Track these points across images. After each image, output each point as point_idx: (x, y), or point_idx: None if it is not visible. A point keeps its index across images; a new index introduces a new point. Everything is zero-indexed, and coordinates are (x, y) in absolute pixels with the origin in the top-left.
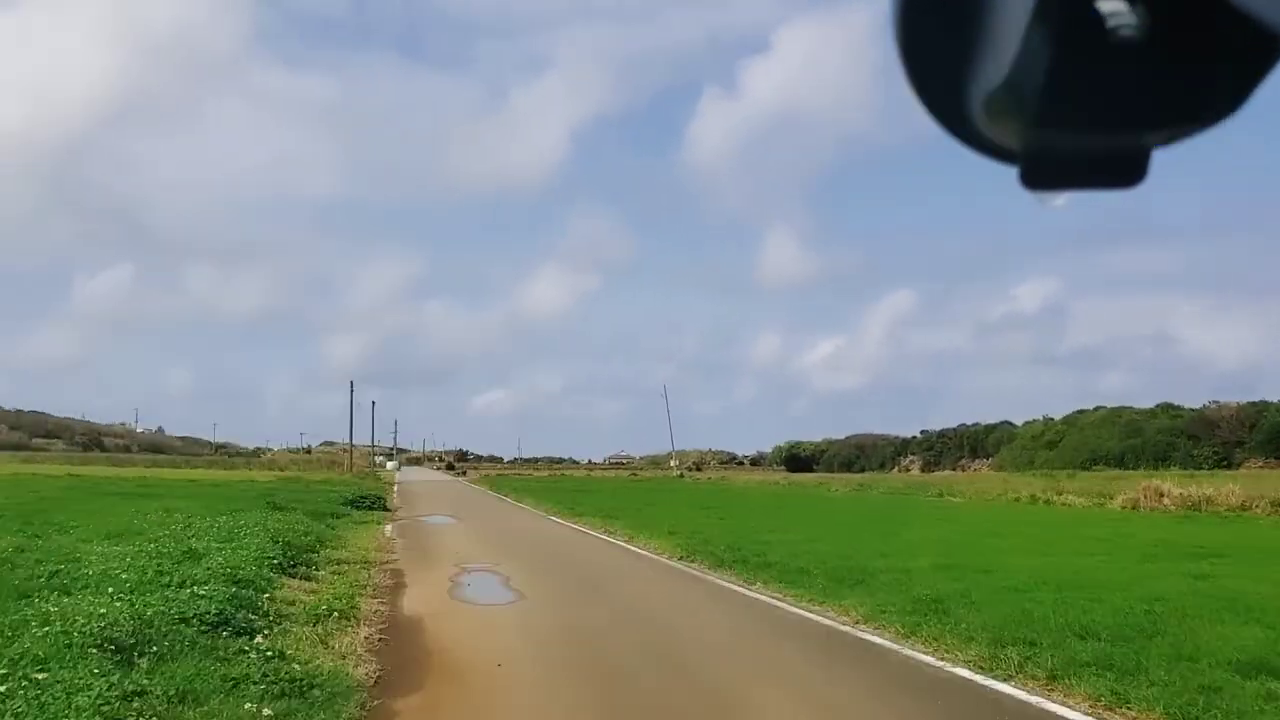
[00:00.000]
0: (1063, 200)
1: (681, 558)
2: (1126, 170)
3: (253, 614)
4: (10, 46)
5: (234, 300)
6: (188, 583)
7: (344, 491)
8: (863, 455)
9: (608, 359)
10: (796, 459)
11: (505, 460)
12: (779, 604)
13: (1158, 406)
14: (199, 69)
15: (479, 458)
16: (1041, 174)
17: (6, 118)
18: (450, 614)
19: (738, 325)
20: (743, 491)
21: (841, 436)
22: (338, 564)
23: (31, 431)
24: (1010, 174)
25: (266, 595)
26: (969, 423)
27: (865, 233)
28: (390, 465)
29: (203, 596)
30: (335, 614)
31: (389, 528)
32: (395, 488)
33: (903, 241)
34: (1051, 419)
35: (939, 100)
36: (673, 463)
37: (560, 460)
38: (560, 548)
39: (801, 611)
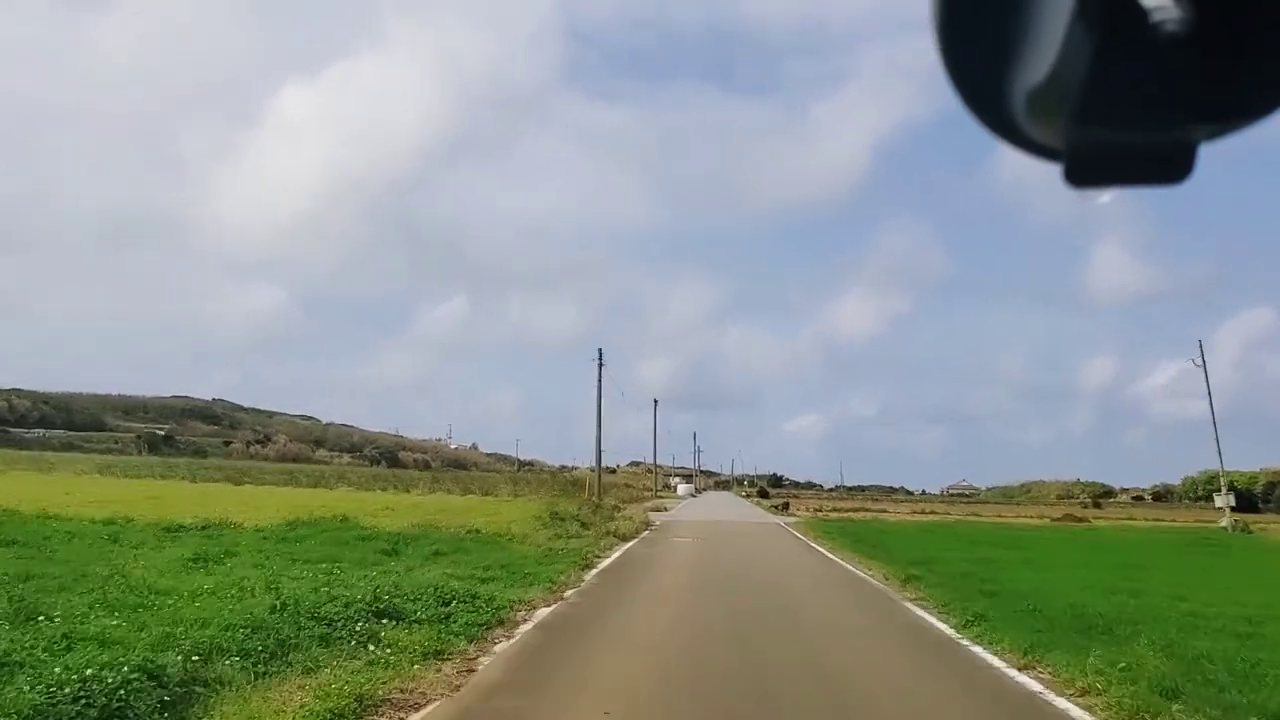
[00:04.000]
0: (1107, 197)
1: None
2: (1172, 166)
3: None
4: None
5: (548, 325)
6: None
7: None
8: None
9: (926, 381)
10: (1233, 495)
11: (826, 488)
12: None
13: None
14: (513, 108)
15: (795, 484)
16: (1085, 171)
17: (350, 164)
18: None
19: (1067, 344)
20: None
21: None
22: None
23: (332, 446)
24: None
25: None
26: None
27: (1217, 237)
28: (682, 489)
29: None
30: None
31: None
32: (626, 546)
33: (1264, 245)
34: None
35: (980, 97)
36: (1219, 501)
37: (891, 490)
38: None
39: None
